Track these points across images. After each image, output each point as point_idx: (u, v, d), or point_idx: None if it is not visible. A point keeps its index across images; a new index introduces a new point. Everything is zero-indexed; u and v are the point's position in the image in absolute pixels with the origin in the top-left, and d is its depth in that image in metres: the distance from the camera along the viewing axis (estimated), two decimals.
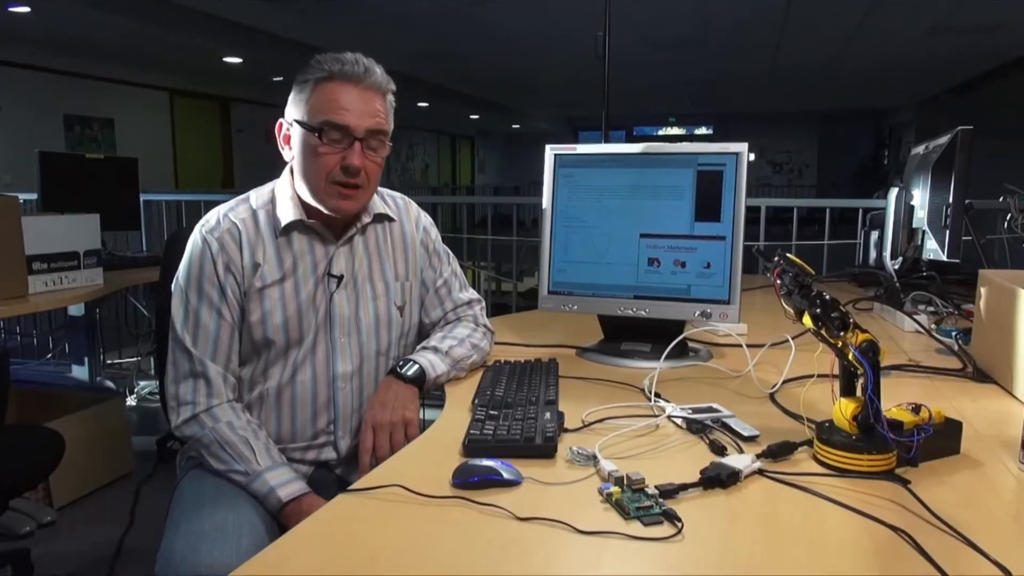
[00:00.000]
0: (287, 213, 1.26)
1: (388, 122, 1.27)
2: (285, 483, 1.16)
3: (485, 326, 1.44)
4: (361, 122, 1.21)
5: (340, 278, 1.28)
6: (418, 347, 1.34)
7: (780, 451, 0.93)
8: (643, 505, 0.80)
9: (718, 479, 0.86)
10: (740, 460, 0.89)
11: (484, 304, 1.48)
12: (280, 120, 1.27)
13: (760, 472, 0.89)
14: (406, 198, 1.44)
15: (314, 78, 1.21)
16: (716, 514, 0.81)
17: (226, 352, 1.23)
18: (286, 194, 1.28)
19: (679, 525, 0.76)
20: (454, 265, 1.46)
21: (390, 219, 1.37)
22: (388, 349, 1.34)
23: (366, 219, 1.32)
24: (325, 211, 1.25)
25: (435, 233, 1.45)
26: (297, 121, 1.23)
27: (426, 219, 1.44)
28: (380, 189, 1.38)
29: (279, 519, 1.15)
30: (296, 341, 1.25)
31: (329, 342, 1.28)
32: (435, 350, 1.31)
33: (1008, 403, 1.17)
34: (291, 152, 1.26)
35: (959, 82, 10.51)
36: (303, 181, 1.25)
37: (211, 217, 1.28)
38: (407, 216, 1.40)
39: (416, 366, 1.26)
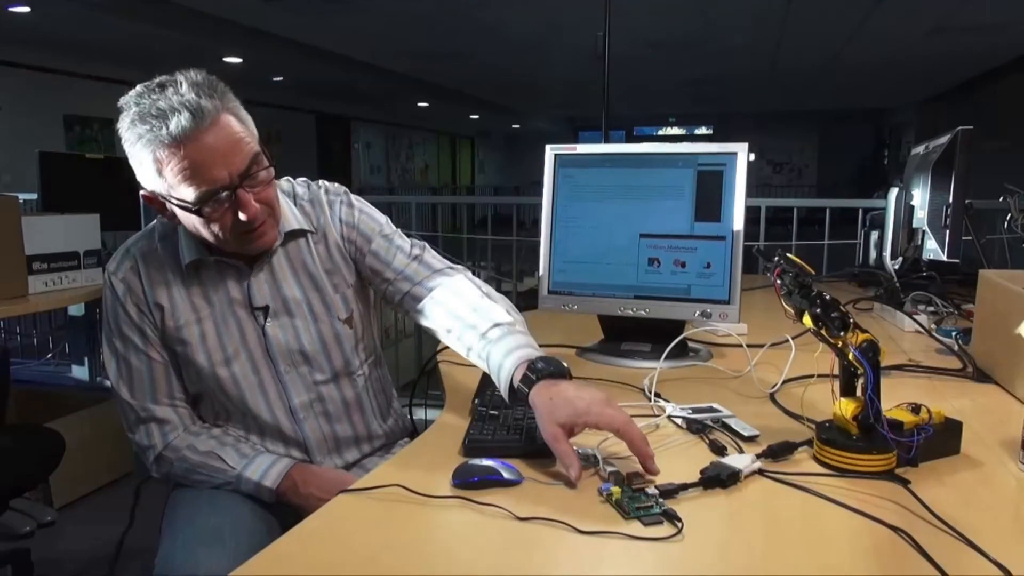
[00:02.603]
0: (187, 250, 1.15)
1: (252, 134, 1.08)
2: (266, 471, 1.14)
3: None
4: (232, 166, 1.03)
5: (266, 309, 1.18)
6: (496, 345, 1.07)
7: (780, 451, 0.93)
8: (643, 505, 0.80)
9: (718, 479, 0.86)
10: (740, 460, 0.89)
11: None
12: (143, 192, 1.10)
13: (760, 472, 0.89)
14: (322, 190, 1.26)
15: (149, 150, 1.01)
16: (716, 514, 0.81)
17: (166, 389, 1.18)
18: (186, 225, 1.13)
19: (679, 525, 0.76)
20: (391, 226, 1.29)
21: (308, 231, 1.22)
22: (346, 365, 1.24)
23: (277, 240, 1.18)
24: (244, 253, 1.15)
25: (358, 203, 1.27)
26: (162, 197, 1.06)
27: (344, 199, 1.25)
28: (290, 185, 1.25)
29: (283, 503, 1.14)
30: (235, 385, 1.17)
31: (275, 379, 1.19)
32: (516, 338, 1.08)
33: (1008, 403, 1.16)
34: (173, 217, 1.11)
35: (959, 82, 10.52)
36: (206, 238, 1.11)
37: (117, 254, 1.20)
38: (323, 215, 1.23)
39: (553, 361, 0.99)
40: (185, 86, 1.02)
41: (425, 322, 1.22)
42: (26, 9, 5.72)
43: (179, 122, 0.99)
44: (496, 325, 1.11)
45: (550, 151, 1.49)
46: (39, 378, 3.92)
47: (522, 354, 1.03)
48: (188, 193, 1.03)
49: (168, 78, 1.03)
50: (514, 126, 18.43)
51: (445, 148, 18.92)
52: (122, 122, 1.03)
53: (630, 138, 16.66)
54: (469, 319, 1.14)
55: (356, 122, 14.16)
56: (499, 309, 1.15)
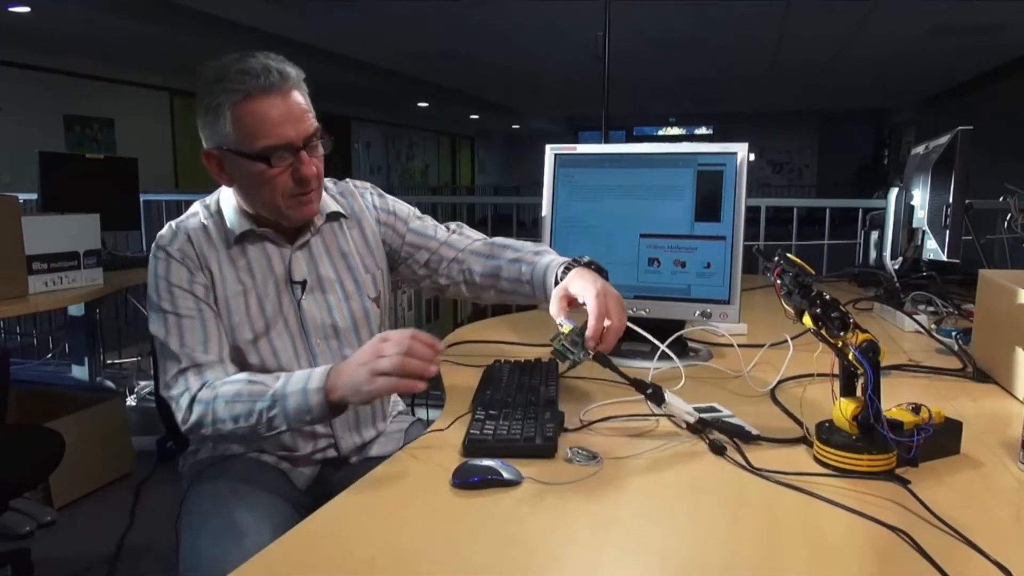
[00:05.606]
0: (236, 224, 1.22)
1: (313, 113, 1.19)
2: (306, 380, 1.07)
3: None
4: (298, 131, 1.14)
5: (304, 283, 1.25)
6: (534, 261, 1.28)
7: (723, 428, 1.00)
8: (568, 349, 1.01)
9: (645, 386, 1.01)
10: (679, 401, 1.01)
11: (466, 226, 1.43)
12: (205, 150, 1.18)
13: (689, 425, 1.01)
14: (349, 183, 1.38)
15: (229, 102, 1.10)
16: (716, 513, 0.81)
17: (217, 341, 1.18)
18: (231, 203, 1.23)
19: (572, 359, 1.02)
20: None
21: (344, 216, 1.32)
22: None
23: (319, 221, 1.27)
24: (288, 223, 1.22)
25: (387, 195, 1.40)
26: (231, 151, 1.14)
27: (373, 190, 1.39)
28: (324, 183, 1.31)
29: (334, 404, 1.06)
30: (272, 354, 1.22)
31: (308, 351, 1.25)
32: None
33: (1008, 403, 1.17)
34: (228, 178, 1.19)
35: (959, 82, 10.52)
36: (255, 203, 1.20)
37: (165, 231, 1.24)
38: (356, 203, 1.35)
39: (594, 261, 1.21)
40: (272, 56, 1.13)
41: (468, 277, 1.35)
42: (26, 9, 5.72)
43: (267, 79, 1.10)
44: (537, 253, 1.31)
45: (550, 151, 1.49)
46: (39, 378, 3.92)
47: (564, 260, 1.24)
48: (256, 145, 1.12)
49: (252, 52, 1.13)
50: (514, 126, 18.42)
51: (445, 148, 18.93)
52: (203, 79, 1.12)
53: (630, 138, 16.67)
54: (512, 256, 1.32)
55: (356, 122, 14.16)
56: (538, 244, 1.36)
